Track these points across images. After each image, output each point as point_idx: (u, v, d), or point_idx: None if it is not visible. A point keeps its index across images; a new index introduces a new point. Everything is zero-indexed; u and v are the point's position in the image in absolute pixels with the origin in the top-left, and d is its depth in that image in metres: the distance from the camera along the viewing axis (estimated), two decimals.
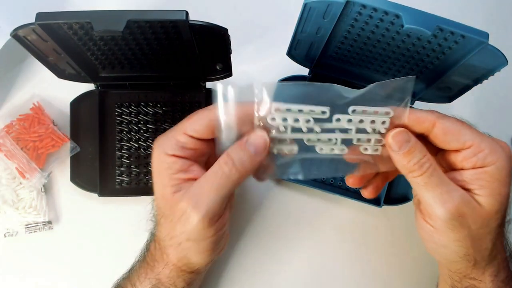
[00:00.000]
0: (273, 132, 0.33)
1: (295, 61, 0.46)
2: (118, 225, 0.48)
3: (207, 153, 0.35)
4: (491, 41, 0.34)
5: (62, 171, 0.49)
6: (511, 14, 0.58)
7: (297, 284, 0.49)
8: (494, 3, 0.58)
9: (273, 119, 0.32)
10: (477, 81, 0.41)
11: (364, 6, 0.35)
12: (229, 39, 0.38)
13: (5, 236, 0.47)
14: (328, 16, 0.37)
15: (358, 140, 0.34)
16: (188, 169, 0.34)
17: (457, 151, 0.34)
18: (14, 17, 0.47)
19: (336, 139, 0.34)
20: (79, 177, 0.48)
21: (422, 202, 0.34)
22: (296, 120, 0.33)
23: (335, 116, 0.33)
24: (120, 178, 0.48)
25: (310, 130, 0.34)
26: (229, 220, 0.39)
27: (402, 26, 0.34)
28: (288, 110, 0.32)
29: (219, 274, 0.48)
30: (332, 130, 0.34)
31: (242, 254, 0.49)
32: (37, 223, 0.47)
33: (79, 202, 0.48)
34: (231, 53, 0.41)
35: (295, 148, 0.34)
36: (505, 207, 0.34)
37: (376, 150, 0.35)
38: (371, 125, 0.34)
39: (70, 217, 0.49)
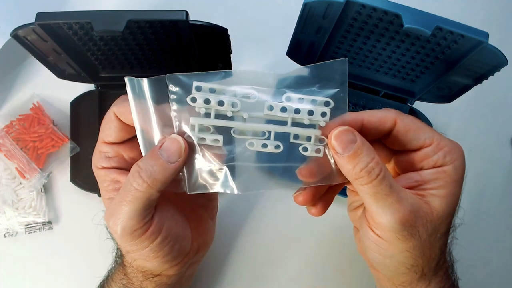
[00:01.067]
0: (196, 126, 0.29)
1: (295, 61, 0.46)
2: None
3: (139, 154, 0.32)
4: (491, 41, 0.34)
5: (62, 171, 0.49)
6: (511, 14, 0.58)
7: (297, 284, 0.49)
8: (494, 3, 0.58)
9: (193, 98, 0.28)
10: (477, 81, 0.41)
11: (363, 6, 0.35)
12: (229, 39, 0.38)
13: (5, 236, 0.47)
14: (328, 16, 0.37)
15: (296, 137, 0.29)
16: (119, 179, 0.32)
17: (415, 150, 0.32)
18: (14, 17, 0.48)
19: (269, 132, 0.29)
20: (79, 177, 0.48)
21: (368, 210, 0.31)
22: (221, 103, 0.28)
23: (267, 103, 0.28)
24: None
25: (238, 120, 0.29)
26: (211, 224, 0.39)
27: (402, 26, 0.34)
28: (212, 90, 0.28)
29: (218, 274, 0.48)
30: (269, 122, 0.29)
31: (241, 253, 0.49)
32: (37, 223, 0.47)
33: (79, 202, 0.48)
34: (231, 53, 0.41)
35: (219, 138, 0.29)
36: (455, 211, 0.32)
37: (318, 151, 0.30)
38: (308, 117, 0.29)
39: (70, 217, 0.49)
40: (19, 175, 0.46)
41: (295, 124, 0.29)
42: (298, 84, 0.29)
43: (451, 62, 0.39)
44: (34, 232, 0.47)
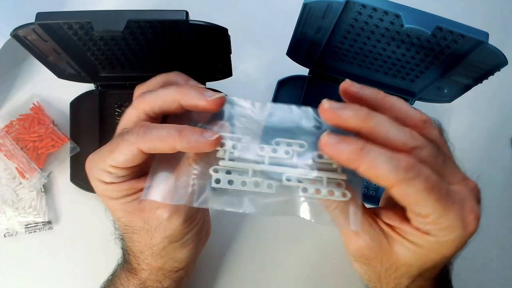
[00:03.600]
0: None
1: (295, 61, 0.46)
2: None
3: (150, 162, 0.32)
4: (491, 41, 0.34)
5: (62, 171, 0.49)
6: (511, 14, 0.58)
7: (297, 284, 0.49)
8: (494, 3, 0.58)
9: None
10: (477, 81, 0.41)
11: (364, 6, 0.35)
12: (229, 39, 0.38)
13: (5, 236, 0.47)
14: (328, 16, 0.37)
15: (332, 193, 0.28)
16: (136, 185, 0.32)
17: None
18: (14, 17, 0.48)
19: (321, 177, 0.28)
20: (79, 177, 0.48)
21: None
22: (243, 183, 0.28)
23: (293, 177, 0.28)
24: None
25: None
26: (208, 215, 0.40)
27: (402, 26, 0.34)
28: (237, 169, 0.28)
29: (217, 273, 0.48)
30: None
31: (240, 253, 0.49)
32: (37, 223, 0.47)
33: (79, 202, 0.48)
34: (231, 53, 0.41)
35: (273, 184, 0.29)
36: (434, 269, 0.30)
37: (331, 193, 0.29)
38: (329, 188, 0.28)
39: (70, 217, 0.49)
40: (19, 175, 0.46)
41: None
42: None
43: (451, 62, 0.39)
44: (34, 232, 0.47)
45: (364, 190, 0.49)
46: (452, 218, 0.26)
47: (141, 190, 0.32)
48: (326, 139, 0.26)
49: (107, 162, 0.31)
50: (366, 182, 0.49)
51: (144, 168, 0.32)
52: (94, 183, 0.33)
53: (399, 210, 0.29)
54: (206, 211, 0.37)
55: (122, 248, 0.37)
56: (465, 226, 0.27)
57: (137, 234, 0.33)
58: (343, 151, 0.25)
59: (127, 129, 0.30)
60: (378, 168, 0.24)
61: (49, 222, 0.48)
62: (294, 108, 0.30)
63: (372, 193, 0.49)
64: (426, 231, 0.27)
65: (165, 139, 0.28)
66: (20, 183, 0.47)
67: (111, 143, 0.31)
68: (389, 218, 0.30)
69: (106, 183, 0.32)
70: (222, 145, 0.29)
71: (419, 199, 0.25)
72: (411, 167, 0.25)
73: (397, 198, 0.26)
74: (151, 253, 0.34)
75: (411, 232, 0.28)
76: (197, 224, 0.34)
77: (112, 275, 0.39)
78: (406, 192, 0.25)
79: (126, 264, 0.37)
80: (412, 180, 0.25)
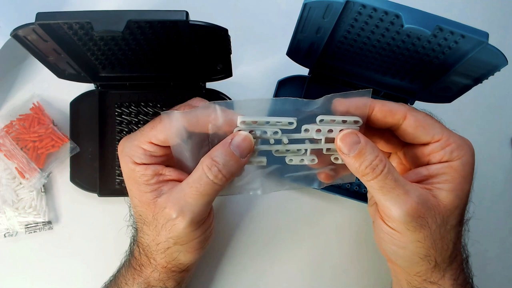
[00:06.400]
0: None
1: (295, 61, 0.46)
2: (118, 225, 0.48)
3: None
4: (491, 41, 0.34)
5: (62, 171, 0.49)
6: (511, 14, 0.58)
7: (296, 284, 0.49)
8: (494, 3, 0.58)
9: (240, 131, 0.32)
10: (477, 81, 0.41)
11: (364, 6, 0.35)
12: (229, 40, 0.38)
13: (5, 236, 0.47)
14: (328, 16, 0.37)
15: (328, 150, 0.34)
16: (162, 173, 0.33)
17: (424, 144, 0.34)
18: (14, 17, 0.48)
19: (306, 149, 0.34)
20: (79, 177, 0.48)
21: (379, 205, 0.33)
22: (264, 132, 0.32)
23: (304, 127, 0.33)
24: (120, 178, 0.48)
25: (278, 142, 0.33)
26: (213, 217, 0.40)
27: (402, 26, 0.34)
28: (255, 122, 0.32)
29: (215, 273, 0.48)
30: (301, 141, 0.33)
31: (240, 253, 0.49)
32: (37, 223, 0.47)
33: (79, 202, 0.48)
34: (231, 53, 0.41)
35: (264, 160, 0.33)
36: (465, 204, 0.34)
37: None
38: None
39: (70, 217, 0.49)
40: (19, 175, 0.46)
41: (328, 140, 0.33)
42: (325, 108, 0.33)
43: (451, 62, 0.39)
44: (34, 232, 0.47)
45: (351, 186, 0.49)
46: (457, 137, 0.33)
47: (165, 181, 0.33)
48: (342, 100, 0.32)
49: (146, 138, 0.33)
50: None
51: (173, 160, 0.34)
52: (123, 162, 0.34)
53: (419, 160, 0.34)
54: (213, 220, 0.37)
55: (133, 237, 0.38)
56: (468, 143, 0.34)
57: (147, 226, 0.34)
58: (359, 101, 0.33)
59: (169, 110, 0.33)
60: (389, 104, 0.33)
61: (49, 222, 0.48)
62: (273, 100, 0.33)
63: (356, 188, 0.49)
64: (447, 158, 0.33)
65: (202, 116, 0.31)
66: (20, 183, 0.47)
67: (153, 120, 0.34)
68: (417, 173, 0.34)
69: (136, 163, 0.33)
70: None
71: (428, 123, 0.33)
72: (412, 107, 0.34)
73: (411, 129, 0.33)
74: (156, 249, 0.34)
75: (438, 169, 0.33)
76: (203, 232, 0.34)
77: (114, 276, 0.39)
78: (417, 117, 0.33)
79: (132, 259, 0.37)
80: (416, 110, 0.34)
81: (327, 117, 0.32)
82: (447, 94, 0.45)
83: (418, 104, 0.48)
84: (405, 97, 0.47)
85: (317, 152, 0.34)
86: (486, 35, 0.34)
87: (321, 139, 0.33)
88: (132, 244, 0.38)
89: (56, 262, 0.48)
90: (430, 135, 0.33)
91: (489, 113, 0.55)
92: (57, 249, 0.48)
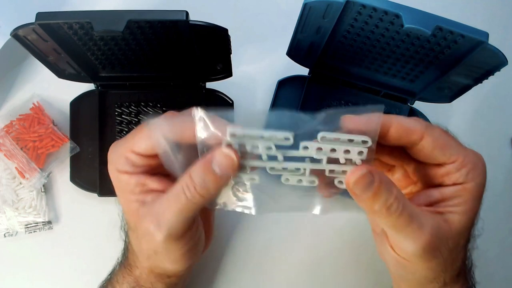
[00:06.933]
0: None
1: (295, 61, 0.46)
2: (118, 225, 0.48)
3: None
4: (491, 41, 0.34)
5: (62, 171, 0.49)
6: (511, 14, 0.58)
7: (296, 285, 0.49)
8: (494, 3, 0.58)
9: (229, 145, 0.29)
10: (477, 81, 0.41)
11: (364, 6, 0.35)
12: (229, 39, 0.38)
13: (5, 236, 0.47)
14: (328, 16, 0.37)
15: (331, 171, 0.30)
16: (146, 183, 0.32)
17: (439, 165, 0.32)
18: (14, 17, 0.47)
19: (305, 169, 0.29)
20: (79, 177, 0.48)
21: (390, 238, 0.32)
22: (256, 147, 0.29)
23: (302, 144, 0.29)
24: None
25: (274, 158, 0.29)
26: (213, 221, 0.39)
27: (402, 25, 0.34)
28: (246, 135, 0.29)
29: (214, 274, 0.48)
30: (300, 159, 0.30)
31: (239, 254, 0.49)
32: (37, 223, 0.47)
33: (79, 202, 0.48)
34: (231, 53, 0.41)
35: (256, 177, 0.30)
36: (474, 223, 0.33)
37: None
38: (345, 155, 0.29)
39: (70, 217, 0.49)
40: (19, 175, 0.46)
41: (331, 160, 0.29)
42: (327, 124, 0.29)
43: (451, 62, 0.39)
44: (34, 232, 0.47)
45: None
46: (472, 156, 0.31)
47: (149, 191, 0.32)
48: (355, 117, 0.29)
49: (128, 146, 0.32)
50: None
51: (159, 168, 0.32)
52: (110, 169, 0.33)
53: (431, 181, 0.33)
54: (202, 231, 0.36)
55: (124, 241, 0.38)
56: (482, 161, 0.32)
57: (132, 232, 0.34)
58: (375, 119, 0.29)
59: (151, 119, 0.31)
60: (406, 123, 0.30)
61: (49, 222, 0.48)
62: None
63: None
64: (462, 180, 0.31)
65: (188, 125, 0.29)
66: (20, 183, 0.47)
67: (137, 128, 0.32)
68: (428, 196, 0.32)
69: (119, 171, 0.32)
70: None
71: (445, 143, 0.31)
72: (428, 123, 0.31)
73: (428, 150, 0.31)
74: (141, 255, 0.34)
75: (452, 192, 0.31)
76: (185, 244, 0.32)
77: (110, 274, 0.39)
78: (434, 137, 0.30)
79: (125, 260, 0.37)
80: (433, 128, 0.31)
81: (330, 135, 0.28)
82: (447, 94, 0.45)
83: (418, 104, 0.48)
84: (405, 97, 0.47)
85: (319, 173, 0.30)
86: (486, 35, 0.34)
87: (322, 159, 0.29)
88: (125, 244, 0.38)
89: (56, 262, 0.48)
90: (446, 156, 0.31)
91: (489, 113, 0.55)
92: (57, 249, 0.48)
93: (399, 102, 0.48)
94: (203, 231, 0.36)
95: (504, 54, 0.35)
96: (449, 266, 0.32)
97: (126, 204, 0.33)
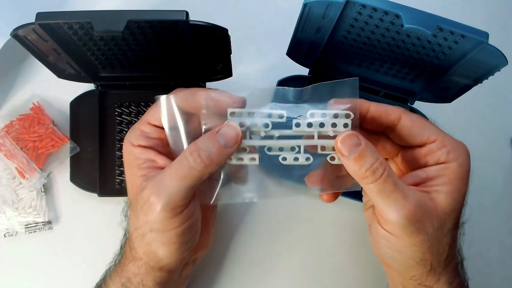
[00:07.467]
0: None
1: (295, 61, 0.46)
2: (118, 225, 0.48)
3: None
4: (491, 41, 0.34)
5: (62, 171, 0.49)
6: (511, 14, 0.58)
7: (296, 284, 0.49)
8: (494, 3, 0.58)
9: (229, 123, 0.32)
10: (477, 81, 0.41)
11: (364, 6, 0.35)
12: (229, 39, 0.38)
13: (5, 236, 0.47)
14: (328, 16, 0.37)
15: (323, 148, 0.32)
16: (155, 159, 0.34)
17: (420, 146, 0.34)
18: (14, 17, 0.47)
19: (299, 146, 0.32)
20: (79, 177, 0.48)
21: (377, 208, 0.33)
22: (254, 125, 0.32)
23: (294, 121, 0.32)
24: (120, 178, 0.48)
25: (270, 138, 0.32)
26: (214, 219, 0.40)
27: (402, 26, 0.34)
28: (246, 113, 0.32)
29: (214, 272, 0.48)
30: (294, 137, 0.32)
31: (238, 253, 0.49)
32: (37, 223, 0.47)
33: (79, 202, 0.48)
34: (231, 53, 0.41)
35: (256, 156, 0.32)
36: (461, 207, 0.34)
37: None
38: (333, 129, 0.32)
39: (70, 217, 0.49)
40: (19, 175, 0.46)
41: (321, 136, 0.32)
42: (314, 99, 0.33)
43: (451, 62, 0.39)
44: (34, 232, 0.47)
45: None
46: (452, 139, 0.34)
47: (156, 167, 0.34)
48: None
49: (144, 120, 0.35)
50: None
51: (167, 147, 0.35)
52: (124, 147, 0.35)
53: (416, 163, 0.35)
54: (200, 221, 0.36)
55: (124, 229, 0.38)
56: (463, 145, 0.34)
57: (130, 210, 0.35)
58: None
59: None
60: (384, 106, 0.34)
61: (49, 222, 0.48)
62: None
63: None
64: (444, 160, 0.33)
65: (197, 95, 0.33)
66: (20, 183, 0.47)
67: (150, 107, 0.35)
68: (414, 176, 0.34)
69: (133, 144, 0.34)
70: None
71: (423, 123, 0.34)
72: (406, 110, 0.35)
73: (406, 129, 0.34)
74: (136, 236, 0.34)
75: (436, 171, 0.33)
76: (181, 223, 0.33)
77: (105, 272, 0.39)
78: (411, 118, 0.34)
79: (120, 258, 0.37)
80: (410, 112, 0.34)
81: (317, 111, 0.32)
82: (447, 94, 0.45)
83: (418, 104, 0.48)
84: (406, 97, 0.47)
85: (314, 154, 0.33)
86: (486, 35, 0.34)
87: (313, 135, 0.32)
88: (123, 237, 0.38)
89: (56, 262, 0.48)
90: (425, 135, 0.33)
91: (489, 113, 0.55)
92: (57, 249, 0.48)
93: (399, 102, 0.48)
94: (200, 227, 0.36)
95: (504, 54, 0.35)
96: (435, 247, 0.33)
97: (131, 179, 0.34)
